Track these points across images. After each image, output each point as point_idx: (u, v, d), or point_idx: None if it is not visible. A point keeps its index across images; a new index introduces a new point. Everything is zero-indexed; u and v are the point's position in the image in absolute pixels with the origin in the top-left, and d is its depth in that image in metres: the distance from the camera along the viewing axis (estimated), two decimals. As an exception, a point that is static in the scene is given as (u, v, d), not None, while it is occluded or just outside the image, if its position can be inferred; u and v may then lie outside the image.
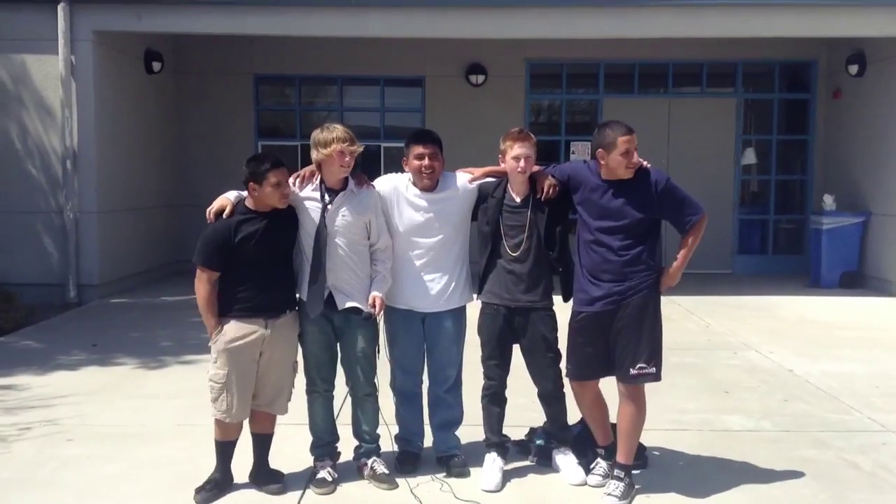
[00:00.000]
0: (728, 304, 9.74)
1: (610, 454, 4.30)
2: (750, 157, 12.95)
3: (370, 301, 4.21)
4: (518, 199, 4.32)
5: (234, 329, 4.06)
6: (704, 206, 4.21)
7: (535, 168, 4.33)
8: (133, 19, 9.57)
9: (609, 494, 4.08)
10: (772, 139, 12.86)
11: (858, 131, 11.48)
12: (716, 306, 9.57)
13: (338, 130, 4.14)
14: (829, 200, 11.24)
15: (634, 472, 4.28)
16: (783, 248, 13.10)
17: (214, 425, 4.21)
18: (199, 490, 4.14)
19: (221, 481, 4.20)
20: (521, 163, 4.22)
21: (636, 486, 4.19)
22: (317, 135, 4.16)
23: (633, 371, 4.10)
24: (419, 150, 4.29)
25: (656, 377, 4.15)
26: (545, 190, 4.27)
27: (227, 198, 4.15)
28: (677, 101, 12.78)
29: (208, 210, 4.12)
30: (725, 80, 12.97)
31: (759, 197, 13.32)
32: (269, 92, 13.16)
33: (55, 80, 9.47)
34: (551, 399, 4.44)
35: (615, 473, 4.18)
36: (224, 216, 4.06)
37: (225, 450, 4.24)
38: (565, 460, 4.43)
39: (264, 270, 4.08)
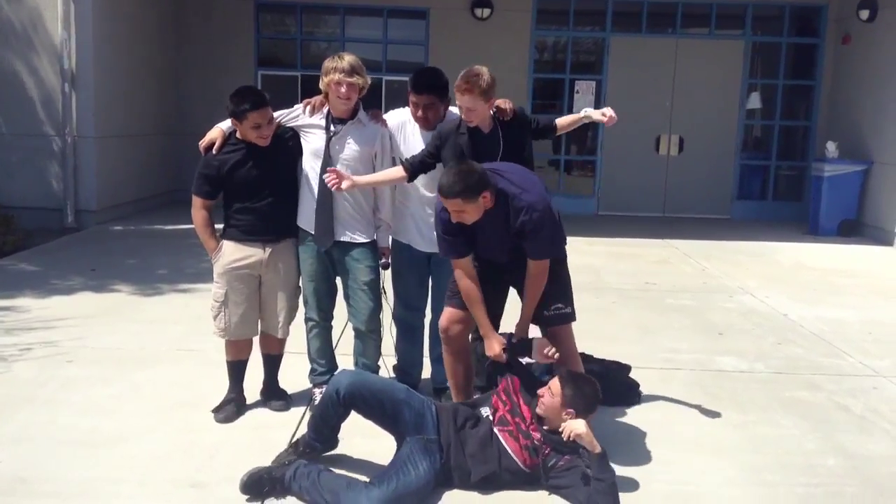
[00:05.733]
0: (725, 249, 9.76)
1: None
2: (755, 101, 12.82)
3: (381, 252, 4.33)
4: (485, 132, 4.10)
5: (231, 251, 4.14)
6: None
7: (500, 102, 4.08)
8: (133, -61, 9.36)
9: None
10: (778, 84, 12.72)
11: (865, 78, 11.35)
12: (713, 250, 9.59)
13: (343, 62, 4.05)
14: (831, 148, 11.16)
15: None
16: (783, 194, 13.06)
17: (224, 347, 4.30)
18: (217, 409, 4.23)
19: (237, 400, 4.29)
20: (465, 115, 4.00)
21: None
22: (325, 63, 4.10)
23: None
24: (413, 98, 4.15)
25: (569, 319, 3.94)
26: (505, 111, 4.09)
27: (221, 128, 4.13)
28: (685, 42, 12.57)
29: (200, 143, 4.14)
30: (735, 21, 12.74)
31: (762, 142, 13.22)
32: (269, 20, 12.90)
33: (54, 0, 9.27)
34: None
35: None
36: (213, 151, 4.07)
37: (235, 370, 4.32)
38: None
39: (259, 198, 4.10)
